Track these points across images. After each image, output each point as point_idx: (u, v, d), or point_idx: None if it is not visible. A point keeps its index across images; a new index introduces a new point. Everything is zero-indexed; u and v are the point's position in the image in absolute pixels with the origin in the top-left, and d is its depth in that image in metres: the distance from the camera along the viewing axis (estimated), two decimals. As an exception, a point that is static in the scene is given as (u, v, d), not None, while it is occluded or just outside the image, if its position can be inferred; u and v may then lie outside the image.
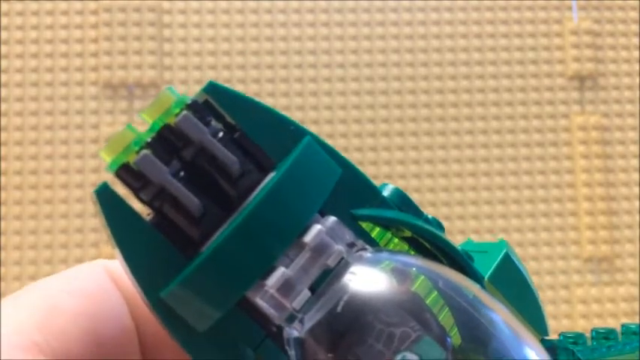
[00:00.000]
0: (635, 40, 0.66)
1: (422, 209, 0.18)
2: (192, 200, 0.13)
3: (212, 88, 0.15)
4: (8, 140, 0.61)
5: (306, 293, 0.14)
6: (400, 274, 0.15)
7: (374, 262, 0.15)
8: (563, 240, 0.62)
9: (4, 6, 0.62)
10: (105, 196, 0.14)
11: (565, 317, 0.61)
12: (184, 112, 0.14)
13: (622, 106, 0.65)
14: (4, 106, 0.61)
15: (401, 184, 0.62)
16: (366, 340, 0.14)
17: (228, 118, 0.15)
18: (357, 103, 0.63)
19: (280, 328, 0.14)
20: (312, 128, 0.63)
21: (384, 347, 0.14)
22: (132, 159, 0.14)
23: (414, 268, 0.16)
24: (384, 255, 0.16)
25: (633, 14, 0.67)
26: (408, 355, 0.14)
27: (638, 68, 0.66)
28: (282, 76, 0.63)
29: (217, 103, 0.15)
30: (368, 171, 0.62)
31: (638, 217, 0.63)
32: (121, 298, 0.16)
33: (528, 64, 0.65)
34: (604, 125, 0.65)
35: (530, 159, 0.64)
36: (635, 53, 0.66)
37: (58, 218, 0.60)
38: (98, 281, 0.16)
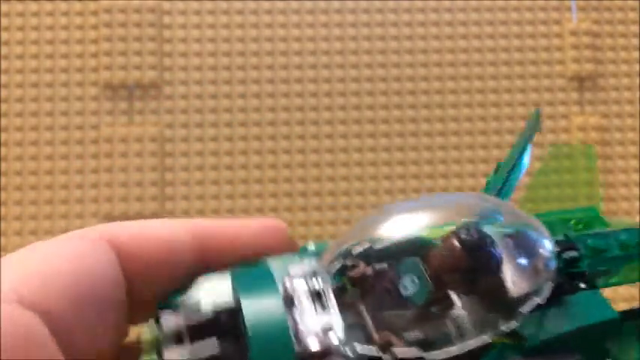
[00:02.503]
0: (635, 41, 0.66)
1: None
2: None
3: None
4: (8, 141, 0.61)
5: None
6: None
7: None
8: (563, 241, 0.62)
9: (4, 7, 0.62)
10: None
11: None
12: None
13: (621, 106, 0.65)
14: (4, 107, 0.61)
15: (400, 184, 0.63)
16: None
17: None
18: (356, 103, 0.64)
19: None
20: (312, 129, 0.63)
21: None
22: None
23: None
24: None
25: (633, 15, 0.67)
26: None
27: (637, 69, 0.66)
28: (282, 76, 0.63)
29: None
30: (368, 172, 0.62)
31: (638, 218, 0.64)
32: (112, 257, 0.17)
33: (528, 65, 0.65)
34: (603, 126, 0.65)
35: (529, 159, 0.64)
36: (635, 54, 0.66)
37: (58, 219, 0.60)
38: (90, 242, 0.17)
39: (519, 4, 0.66)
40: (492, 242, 0.18)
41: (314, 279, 0.18)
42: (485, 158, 0.64)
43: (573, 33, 0.66)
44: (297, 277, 0.18)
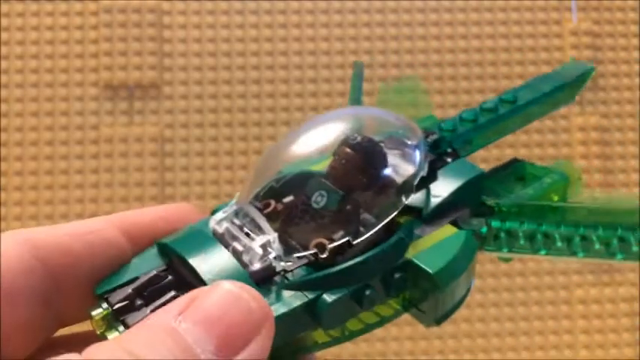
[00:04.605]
0: (635, 41, 0.66)
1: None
2: None
3: None
4: (8, 141, 0.61)
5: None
6: None
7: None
8: (563, 241, 0.62)
9: (4, 7, 0.62)
10: None
11: (564, 318, 0.61)
12: None
13: (621, 106, 0.65)
14: (4, 107, 0.61)
15: (400, 184, 0.62)
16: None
17: None
18: (356, 103, 0.63)
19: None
20: (312, 129, 0.63)
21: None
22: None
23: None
24: None
25: (633, 15, 0.67)
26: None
27: (637, 69, 0.66)
28: (282, 76, 0.63)
29: None
30: (368, 172, 0.62)
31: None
32: (22, 251, 0.18)
33: (528, 65, 0.65)
34: (603, 126, 0.65)
35: (530, 160, 0.64)
36: (635, 54, 0.66)
37: (58, 219, 0.60)
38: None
39: (519, 4, 0.66)
40: (375, 141, 0.22)
41: (237, 216, 0.21)
42: (485, 158, 0.64)
43: (573, 33, 0.66)
44: (223, 220, 0.21)
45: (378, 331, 0.58)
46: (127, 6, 0.63)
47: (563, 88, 0.27)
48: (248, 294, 0.17)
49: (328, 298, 0.19)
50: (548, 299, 0.61)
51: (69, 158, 0.61)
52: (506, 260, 0.23)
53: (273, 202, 0.21)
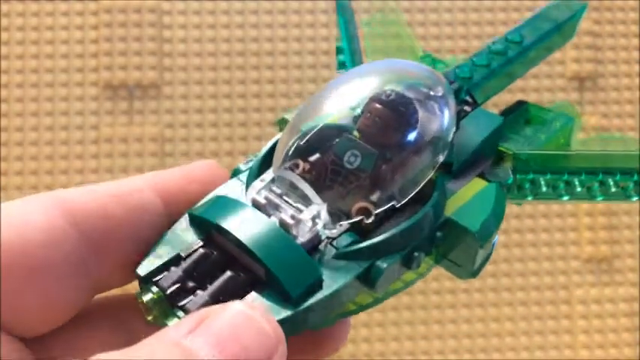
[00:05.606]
0: (635, 41, 0.66)
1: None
2: None
3: None
4: (8, 141, 0.61)
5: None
6: None
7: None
8: (563, 241, 0.62)
9: (4, 7, 0.62)
10: None
11: (564, 318, 0.61)
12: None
13: (621, 107, 0.65)
14: (4, 107, 0.61)
15: (400, 184, 0.63)
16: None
17: None
18: (356, 103, 0.63)
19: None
20: (312, 129, 0.63)
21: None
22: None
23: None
24: None
25: (633, 15, 0.67)
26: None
27: (637, 69, 0.66)
28: (282, 77, 0.63)
29: None
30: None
31: (637, 218, 0.64)
32: (53, 216, 0.17)
33: (528, 65, 0.65)
34: (603, 126, 0.65)
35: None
36: (635, 54, 0.66)
37: (58, 219, 0.60)
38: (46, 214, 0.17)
39: (519, 4, 0.66)
40: (407, 97, 0.21)
41: (275, 183, 0.20)
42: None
43: (573, 33, 0.66)
44: (262, 189, 0.20)
45: (378, 331, 0.58)
46: (127, 6, 0.63)
47: (561, 27, 0.28)
48: (261, 316, 0.16)
49: (382, 264, 0.19)
50: (548, 299, 0.61)
51: (69, 158, 0.61)
52: (518, 203, 0.24)
53: (301, 163, 0.20)
